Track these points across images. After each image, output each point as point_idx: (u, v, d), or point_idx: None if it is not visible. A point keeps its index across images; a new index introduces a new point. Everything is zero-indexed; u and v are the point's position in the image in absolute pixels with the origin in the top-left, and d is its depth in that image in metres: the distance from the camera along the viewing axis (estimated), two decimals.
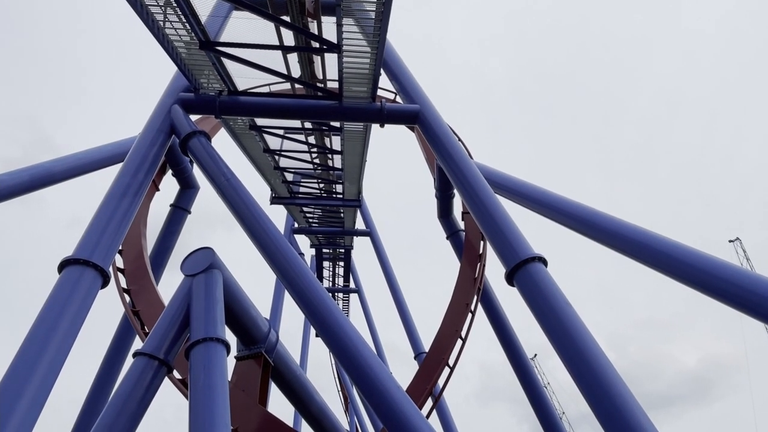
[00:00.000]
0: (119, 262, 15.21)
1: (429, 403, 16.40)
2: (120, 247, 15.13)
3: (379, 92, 14.96)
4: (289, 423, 15.68)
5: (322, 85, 13.28)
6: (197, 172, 18.18)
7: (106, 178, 12.42)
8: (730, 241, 64.10)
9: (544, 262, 9.51)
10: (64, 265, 9.02)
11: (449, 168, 12.01)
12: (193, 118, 13.23)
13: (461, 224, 19.34)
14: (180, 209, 18.20)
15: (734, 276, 9.66)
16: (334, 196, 21.91)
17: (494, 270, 16.60)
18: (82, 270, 8.88)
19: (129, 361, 10.70)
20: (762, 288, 9.22)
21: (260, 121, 15.69)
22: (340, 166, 18.76)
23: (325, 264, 35.12)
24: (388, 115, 12.87)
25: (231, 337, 11.58)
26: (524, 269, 9.30)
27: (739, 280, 9.55)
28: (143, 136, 11.93)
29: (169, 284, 14.79)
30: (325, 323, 9.72)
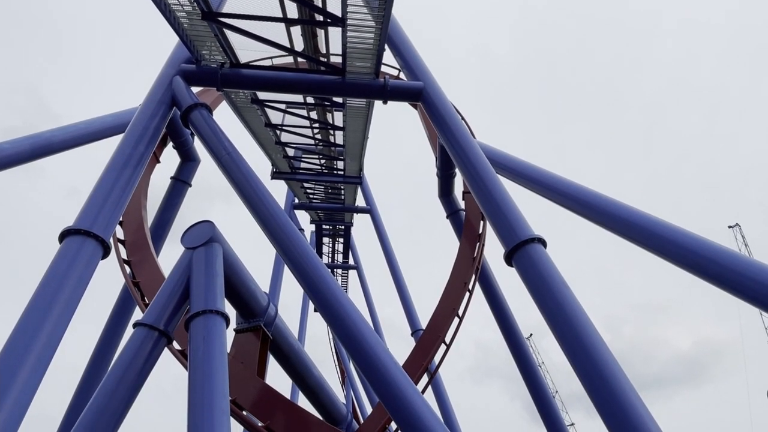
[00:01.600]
0: (119, 233, 15.25)
1: (425, 378, 16.64)
2: (120, 219, 15.18)
3: (383, 68, 14.79)
4: (287, 396, 15.94)
5: (325, 60, 13.13)
6: (198, 145, 18.13)
7: (106, 149, 12.38)
8: (730, 227, 64.14)
9: (544, 243, 9.53)
10: (64, 235, 9.04)
11: (451, 146, 11.95)
12: (195, 90, 13.13)
13: (462, 204, 19.34)
14: (180, 182, 18.19)
15: (731, 261, 9.69)
16: (335, 172, 21.85)
17: (493, 250, 16.68)
18: (82, 240, 8.90)
19: (129, 331, 10.83)
20: (758, 274, 9.26)
21: (262, 95, 15.55)
22: (341, 143, 18.68)
23: (325, 240, 35.22)
24: (391, 92, 12.75)
25: (230, 311, 11.71)
26: (523, 250, 9.32)
27: (736, 266, 9.59)
28: (144, 107, 11.84)
29: (169, 257, 14.87)
30: (323, 298, 9.79)
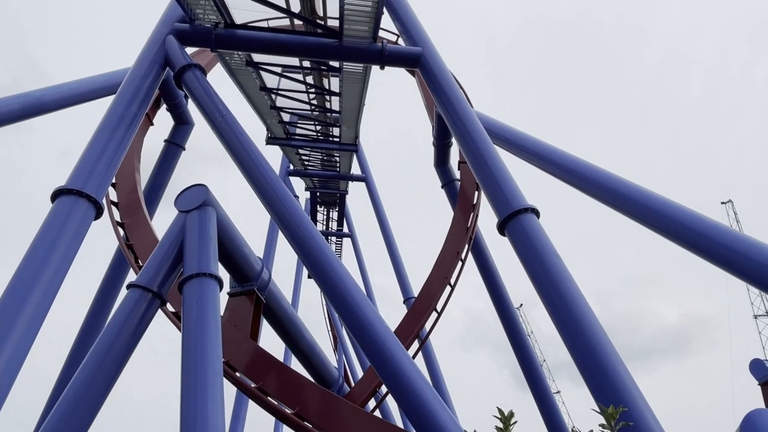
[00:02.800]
0: (113, 195, 15.17)
1: (415, 345, 16.90)
2: (113, 180, 15.06)
3: (381, 33, 14.51)
4: (280, 360, 16.16)
5: (322, 22, 12.84)
6: (192, 107, 17.88)
7: (98, 109, 12.19)
8: (723, 203, 64.49)
9: (537, 213, 9.56)
10: (56, 195, 8.98)
11: (448, 115, 11.84)
12: (189, 51, 12.87)
13: (457, 174, 19.30)
14: (174, 145, 18.00)
15: (722, 236, 9.78)
16: (331, 139, 21.66)
17: (486, 220, 16.74)
18: (75, 200, 8.85)
19: (123, 293, 10.89)
20: (747, 249, 9.36)
21: (257, 57, 15.26)
22: (337, 109, 18.45)
23: (320, 208, 35.18)
24: (388, 57, 12.54)
25: (224, 274, 11.75)
26: (516, 220, 9.36)
27: (726, 240, 9.69)
28: (136, 67, 11.61)
29: (162, 220, 14.84)
30: (317, 265, 9.84)
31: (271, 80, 16.84)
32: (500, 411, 4.96)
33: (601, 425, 4.60)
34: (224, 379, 9.69)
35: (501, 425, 4.89)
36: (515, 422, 4.93)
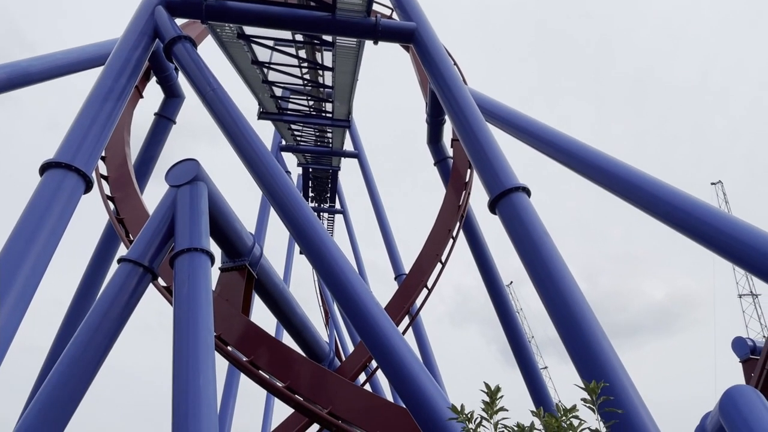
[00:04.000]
0: (102, 169, 15.03)
1: (406, 320, 17.10)
2: (103, 154, 14.90)
3: (375, 7, 14.28)
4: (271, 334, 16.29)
5: None
6: (183, 81, 17.61)
7: (86, 81, 11.98)
8: (713, 184, 65.03)
9: (528, 192, 9.61)
10: (45, 168, 8.88)
11: (442, 92, 11.77)
12: (179, 23, 12.62)
13: (450, 151, 19.28)
14: (164, 118, 17.79)
15: (709, 217, 9.90)
16: (324, 114, 21.49)
17: (478, 198, 16.81)
18: (64, 174, 8.76)
19: (114, 267, 10.87)
20: (734, 230, 9.50)
21: (249, 30, 15.01)
22: (330, 84, 18.27)
23: (312, 184, 35.05)
24: (382, 32, 12.38)
25: (215, 250, 11.76)
26: (507, 198, 9.40)
27: (714, 221, 9.81)
28: (125, 38, 11.39)
29: (152, 195, 14.75)
30: (309, 241, 9.86)
31: (263, 54, 16.60)
32: (487, 386, 5.08)
33: (584, 399, 4.72)
34: (216, 352, 9.78)
35: (488, 399, 5.01)
36: (501, 396, 5.05)
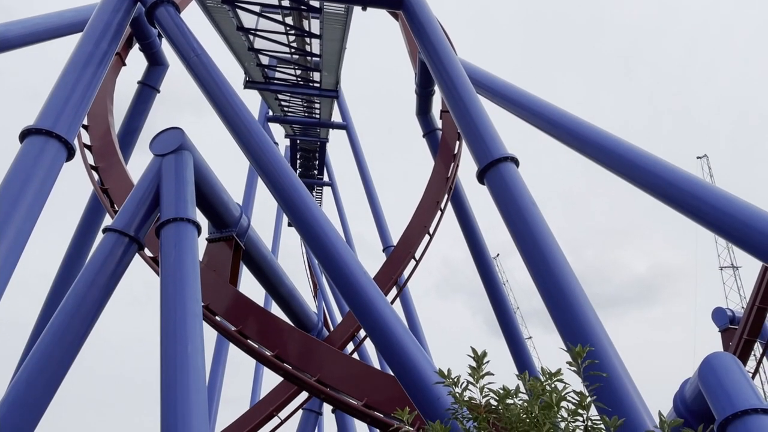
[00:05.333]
0: (86, 138, 14.73)
1: (393, 292, 17.23)
2: (85, 122, 14.60)
3: None
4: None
5: None
6: (167, 48, 17.18)
7: (67, 48, 11.62)
8: (698, 158, 65.61)
9: (516, 162, 9.61)
10: (25, 135, 8.67)
11: (431, 61, 11.61)
12: None
13: (439, 123, 19.15)
14: (148, 87, 17.40)
15: (695, 188, 9.99)
16: (311, 84, 21.16)
17: (466, 171, 16.78)
18: (45, 141, 8.57)
19: (99, 238, 10.76)
20: (717, 201, 9.60)
21: None
22: (318, 52, 17.93)
23: (299, 156, 34.73)
24: None
25: (202, 220, 11.67)
26: (495, 168, 9.40)
27: (699, 192, 9.91)
28: (105, 1, 11.02)
29: (137, 165, 14.52)
30: (297, 212, 9.81)
31: (248, 20, 16.19)
32: (474, 351, 5.15)
33: (569, 363, 4.81)
34: (204, 322, 9.80)
35: (474, 364, 5.09)
36: (488, 362, 5.13)
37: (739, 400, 7.13)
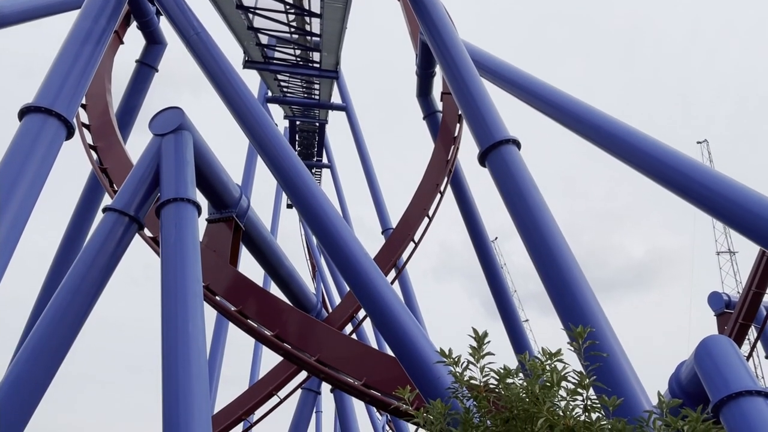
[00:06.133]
0: (84, 117, 14.62)
1: (392, 274, 17.30)
2: (84, 101, 14.48)
3: None
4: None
5: None
6: (165, 25, 16.97)
7: (63, 25, 11.46)
8: (698, 143, 65.46)
9: (518, 145, 9.57)
10: (24, 113, 8.60)
11: (434, 42, 11.49)
12: None
13: (439, 105, 19.02)
14: (146, 66, 17.23)
15: (694, 171, 9.97)
16: (311, 65, 20.96)
17: (466, 153, 16.73)
18: (44, 119, 8.50)
19: (99, 218, 10.74)
20: (717, 185, 9.59)
21: None
22: (318, 32, 17.73)
23: (298, 137, 34.57)
24: None
25: (202, 201, 11.64)
26: (497, 151, 9.37)
27: (699, 176, 9.89)
28: None
29: (136, 145, 14.44)
30: (298, 191, 9.79)
31: None
32: (475, 331, 5.20)
33: (569, 343, 4.87)
34: (204, 302, 9.83)
35: (475, 344, 5.14)
36: (488, 342, 5.19)
37: (734, 382, 7.23)
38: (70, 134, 8.93)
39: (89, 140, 14.27)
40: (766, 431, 6.63)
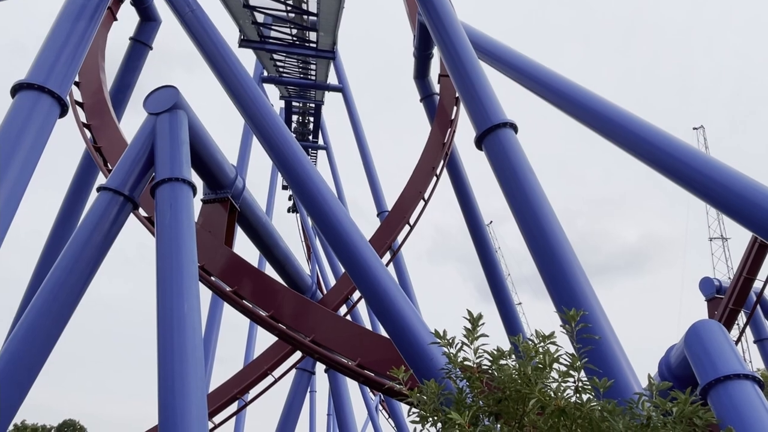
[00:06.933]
0: (77, 95, 14.44)
1: (387, 256, 17.35)
2: (77, 79, 14.29)
3: None
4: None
5: None
6: (159, 3, 16.70)
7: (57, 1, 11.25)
8: (695, 129, 65.55)
9: (515, 128, 9.55)
10: (17, 90, 8.49)
11: (432, 23, 11.37)
12: None
13: (437, 87, 18.89)
14: (140, 43, 16.98)
15: (689, 157, 9.99)
16: (307, 45, 20.73)
17: (463, 137, 16.68)
18: (37, 96, 8.40)
19: (93, 197, 10.68)
20: (712, 171, 9.62)
21: None
22: (315, 11, 17.51)
23: (294, 118, 34.35)
24: None
25: (197, 181, 11.58)
26: (494, 134, 9.34)
27: (694, 162, 9.91)
28: None
29: (130, 124, 14.32)
30: (293, 172, 9.76)
31: None
32: (470, 313, 5.24)
33: (561, 326, 4.92)
34: (199, 282, 9.84)
35: (470, 326, 5.19)
36: (483, 324, 5.23)
37: (723, 365, 7.34)
38: (63, 112, 8.83)
39: (83, 118, 14.12)
40: (753, 414, 6.76)
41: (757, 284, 20.01)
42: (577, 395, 4.62)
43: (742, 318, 21.73)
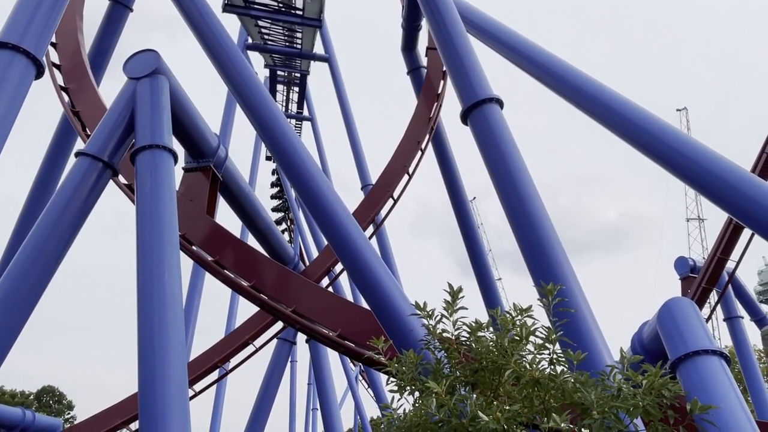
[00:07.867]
0: (54, 57, 13.98)
1: (370, 229, 17.38)
2: (54, 40, 13.82)
3: None
4: None
5: None
6: None
7: None
8: (678, 110, 66.19)
9: (501, 104, 9.53)
10: None
11: None
12: None
13: (424, 61, 18.69)
14: (120, 5, 16.40)
15: (670, 137, 10.09)
16: (293, 12, 20.29)
17: (449, 111, 16.60)
18: (11, 56, 8.12)
19: (71, 162, 10.46)
20: (692, 152, 9.75)
21: None
22: None
23: (279, 88, 33.78)
24: None
25: (178, 149, 11.38)
26: (480, 109, 9.32)
27: (675, 143, 10.02)
28: None
29: (108, 89, 13.94)
30: (277, 142, 9.64)
31: None
32: (450, 286, 5.32)
33: (539, 300, 5.02)
34: (181, 252, 9.78)
35: (449, 299, 5.27)
36: (462, 297, 5.32)
37: (692, 341, 7.60)
38: (39, 73, 8.57)
39: (60, 81, 13.71)
40: (719, 387, 7.03)
41: (730, 264, 20.57)
42: (552, 367, 4.75)
43: (713, 297, 22.40)
